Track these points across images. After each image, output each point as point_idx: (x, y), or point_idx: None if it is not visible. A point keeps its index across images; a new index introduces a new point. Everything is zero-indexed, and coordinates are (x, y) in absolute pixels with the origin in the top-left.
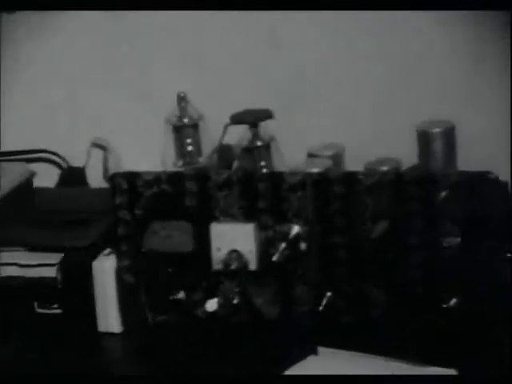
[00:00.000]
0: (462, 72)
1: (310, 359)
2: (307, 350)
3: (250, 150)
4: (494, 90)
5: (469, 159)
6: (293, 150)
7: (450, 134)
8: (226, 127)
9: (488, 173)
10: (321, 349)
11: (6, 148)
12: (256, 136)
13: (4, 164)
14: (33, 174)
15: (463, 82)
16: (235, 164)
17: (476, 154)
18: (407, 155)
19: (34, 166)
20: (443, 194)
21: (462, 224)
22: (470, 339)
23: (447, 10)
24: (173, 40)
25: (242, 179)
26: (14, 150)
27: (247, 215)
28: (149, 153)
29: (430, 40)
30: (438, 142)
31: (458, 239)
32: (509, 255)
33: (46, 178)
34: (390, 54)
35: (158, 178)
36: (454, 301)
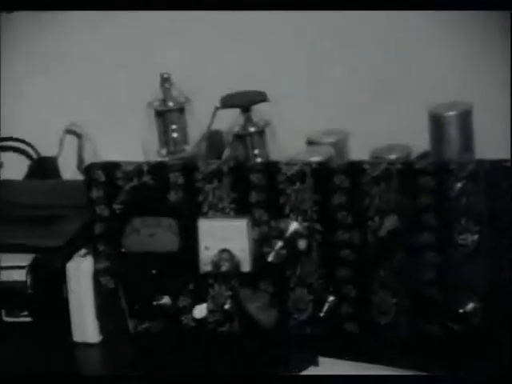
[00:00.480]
0: (478, 51)
1: (310, 370)
2: (307, 360)
3: (242, 137)
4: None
5: (487, 146)
6: (290, 137)
7: (466, 118)
8: (215, 111)
9: (508, 161)
10: (322, 359)
11: None
12: (249, 121)
13: None
14: None
15: (480, 59)
16: (226, 153)
17: (495, 139)
18: (418, 142)
19: (1, 156)
20: (458, 185)
21: (480, 219)
22: (469, 339)
23: (447, 10)
24: (154, 13)
25: (234, 170)
26: None
27: (239, 210)
28: (129, 140)
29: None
30: (452, 126)
31: (475, 236)
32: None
33: (14, 169)
34: (399, 32)
35: (139, 169)
36: (471, 305)
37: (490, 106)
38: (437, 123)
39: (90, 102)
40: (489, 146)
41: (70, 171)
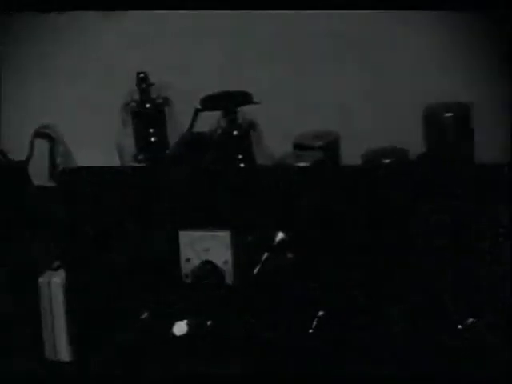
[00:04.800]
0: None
1: None
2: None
3: (225, 141)
4: None
5: (488, 148)
6: (277, 140)
7: (465, 119)
8: (196, 113)
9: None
10: None
11: None
12: (232, 123)
13: None
14: None
15: (479, 55)
16: (207, 157)
17: (497, 141)
18: (414, 144)
19: None
20: (458, 191)
21: (477, 228)
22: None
23: (447, 10)
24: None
25: (215, 175)
26: None
27: (222, 219)
28: (104, 144)
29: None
30: (450, 128)
31: None
32: None
33: None
34: (394, 31)
35: (115, 173)
36: (471, 320)
37: (490, 106)
38: (434, 124)
39: (62, 102)
40: (489, 149)
41: (40, 177)
